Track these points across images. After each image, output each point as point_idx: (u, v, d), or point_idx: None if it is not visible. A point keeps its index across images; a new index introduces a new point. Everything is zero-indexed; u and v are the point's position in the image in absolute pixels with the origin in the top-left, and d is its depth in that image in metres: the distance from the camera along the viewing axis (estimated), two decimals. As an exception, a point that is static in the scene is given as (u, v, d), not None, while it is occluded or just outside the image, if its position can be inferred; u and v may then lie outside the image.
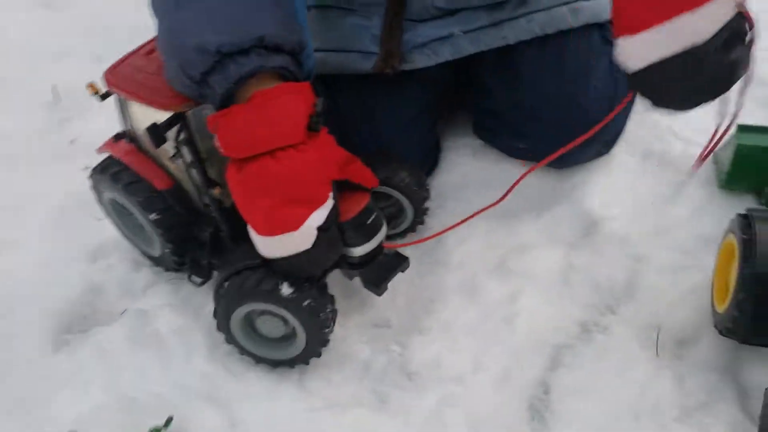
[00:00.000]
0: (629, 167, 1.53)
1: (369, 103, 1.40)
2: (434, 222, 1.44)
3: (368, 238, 1.13)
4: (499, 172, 1.52)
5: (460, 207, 1.46)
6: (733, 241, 1.15)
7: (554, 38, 1.37)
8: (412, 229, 1.41)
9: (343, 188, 1.10)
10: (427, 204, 1.39)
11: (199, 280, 1.28)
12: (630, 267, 1.33)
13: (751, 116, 1.38)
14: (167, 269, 1.37)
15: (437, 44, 1.33)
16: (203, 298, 1.32)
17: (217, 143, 0.97)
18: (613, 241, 1.37)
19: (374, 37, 1.33)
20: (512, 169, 1.52)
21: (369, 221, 1.12)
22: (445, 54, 1.32)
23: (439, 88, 1.48)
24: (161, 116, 1.04)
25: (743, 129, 1.36)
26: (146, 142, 1.15)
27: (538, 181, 1.49)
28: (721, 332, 1.16)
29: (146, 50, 1.14)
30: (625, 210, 1.43)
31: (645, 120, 1.58)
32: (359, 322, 1.30)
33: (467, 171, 1.55)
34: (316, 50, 1.32)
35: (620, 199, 1.46)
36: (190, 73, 0.94)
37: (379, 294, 1.18)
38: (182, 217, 1.25)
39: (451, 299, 1.31)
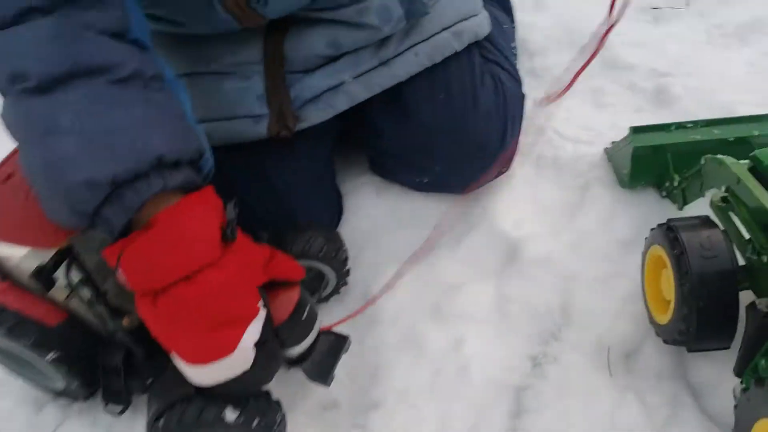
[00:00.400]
0: (529, 179, 1.52)
1: (261, 168, 1.28)
2: (357, 277, 1.36)
3: (306, 334, 1.04)
4: (408, 209, 1.46)
5: (379, 255, 1.39)
6: (662, 253, 1.18)
7: (438, 66, 1.32)
8: (336, 292, 1.32)
9: (269, 287, 0.99)
10: (348, 264, 1.30)
11: (117, 408, 1.11)
12: (561, 287, 1.33)
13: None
14: (76, 399, 1.18)
15: (330, 95, 1.23)
16: (126, 426, 1.15)
17: (120, 277, 0.83)
18: (537, 263, 1.36)
19: (259, 98, 1.21)
20: (420, 200, 1.47)
21: (304, 317, 1.02)
22: (341, 104, 1.24)
23: (332, 137, 1.39)
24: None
25: (636, 130, 1.39)
26: (25, 279, 0.97)
27: (447, 209, 1.44)
28: (666, 341, 1.19)
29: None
30: (539, 226, 1.42)
31: (529, 127, 1.58)
32: (306, 408, 1.19)
33: (374, 213, 1.47)
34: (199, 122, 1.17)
35: (530, 215, 1.45)
36: (79, 209, 0.79)
37: (327, 385, 1.08)
38: (85, 348, 1.08)
39: (398, 360, 1.24)
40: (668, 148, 1.38)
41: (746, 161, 1.18)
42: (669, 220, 1.18)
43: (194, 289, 0.81)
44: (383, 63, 1.26)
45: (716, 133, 1.37)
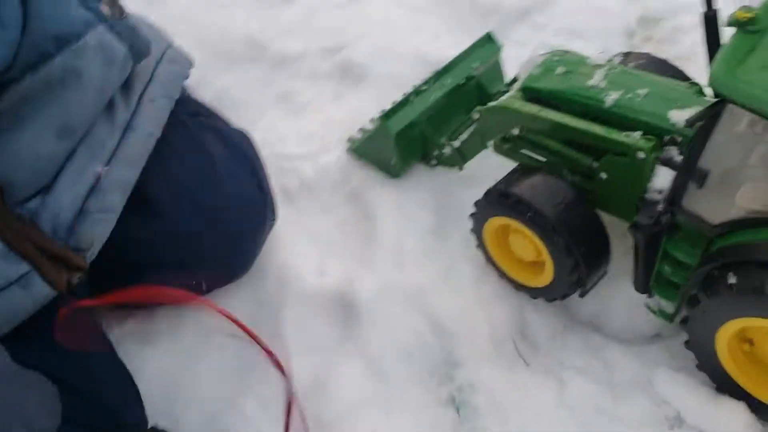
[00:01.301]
0: (293, 221, 1.31)
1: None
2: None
3: None
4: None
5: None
6: (504, 221, 1.10)
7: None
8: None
9: None
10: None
11: None
12: (419, 314, 1.16)
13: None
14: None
15: (95, 198, 0.97)
16: None
17: None
18: (378, 306, 1.18)
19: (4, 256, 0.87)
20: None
21: None
22: (117, 199, 1.01)
23: None
24: None
25: (386, 116, 1.26)
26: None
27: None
28: (554, 299, 1.14)
29: None
30: (346, 264, 1.23)
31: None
32: None
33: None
34: None
35: (329, 257, 1.25)
36: None
37: None
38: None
39: None
40: (421, 118, 1.28)
41: (514, 95, 1.14)
42: (495, 190, 1.08)
43: None
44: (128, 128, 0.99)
45: (450, 82, 1.30)
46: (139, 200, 1.01)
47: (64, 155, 0.91)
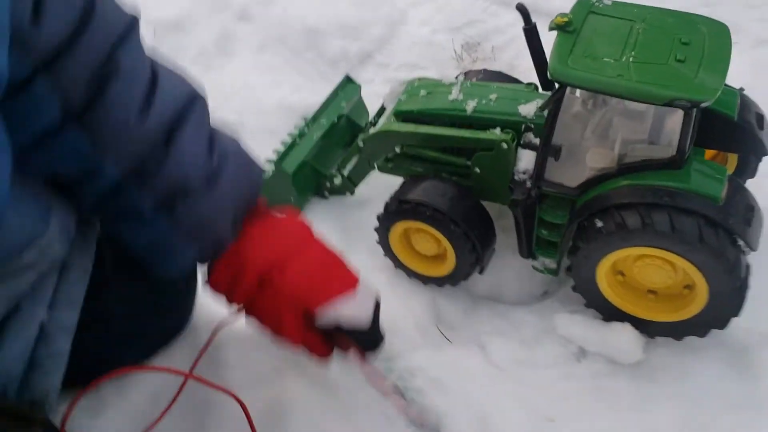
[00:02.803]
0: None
1: None
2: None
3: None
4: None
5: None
6: (407, 225, 1.27)
7: None
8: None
9: None
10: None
11: None
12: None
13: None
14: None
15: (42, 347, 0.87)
16: None
17: None
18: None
19: None
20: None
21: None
22: (63, 342, 0.90)
23: None
24: None
25: (277, 161, 1.40)
26: None
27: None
28: (456, 283, 1.33)
29: None
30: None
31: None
32: None
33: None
34: None
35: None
36: None
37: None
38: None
39: None
40: (309, 156, 1.43)
41: (389, 120, 1.33)
42: (394, 200, 1.26)
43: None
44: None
45: (325, 122, 1.48)
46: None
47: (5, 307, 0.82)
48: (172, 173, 0.87)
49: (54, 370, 0.87)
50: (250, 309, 1.03)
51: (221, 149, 0.93)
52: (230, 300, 1.03)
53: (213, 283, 1.01)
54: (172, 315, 1.20)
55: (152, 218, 0.88)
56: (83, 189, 0.86)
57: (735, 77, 1.52)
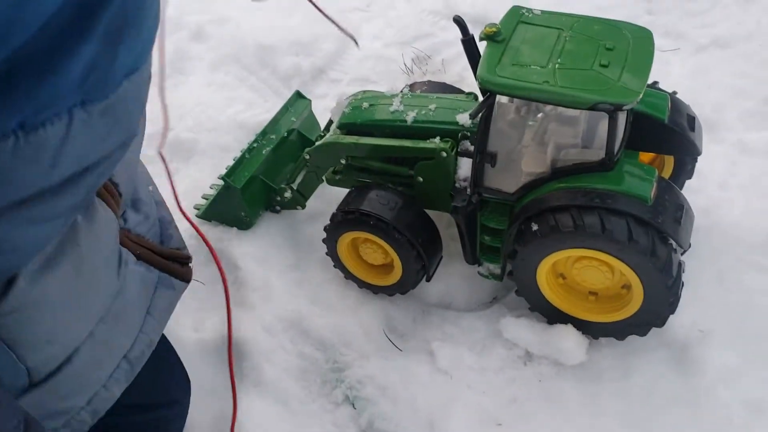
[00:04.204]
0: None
1: None
2: None
3: None
4: None
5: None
6: (354, 235, 1.28)
7: None
8: None
9: None
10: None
11: None
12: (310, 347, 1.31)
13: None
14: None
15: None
16: None
17: None
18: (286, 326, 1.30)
19: None
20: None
21: None
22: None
23: None
24: None
25: (227, 175, 1.40)
26: None
27: None
28: (404, 292, 1.35)
29: None
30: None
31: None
32: None
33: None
34: None
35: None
36: None
37: None
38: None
39: None
40: (259, 171, 1.44)
41: (334, 133, 1.35)
42: (339, 210, 1.27)
43: None
44: None
45: (274, 137, 1.49)
46: None
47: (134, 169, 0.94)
48: None
49: (176, 228, 1.00)
50: None
51: None
52: None
53: None
54: None
55: None
56: None
57: (676, 81, 1.57)
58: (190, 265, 1.03)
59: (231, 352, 1.16)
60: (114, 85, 0.60)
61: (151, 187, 0.99)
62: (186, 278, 1.00)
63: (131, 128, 0.69)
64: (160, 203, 1.00)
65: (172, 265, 0.97)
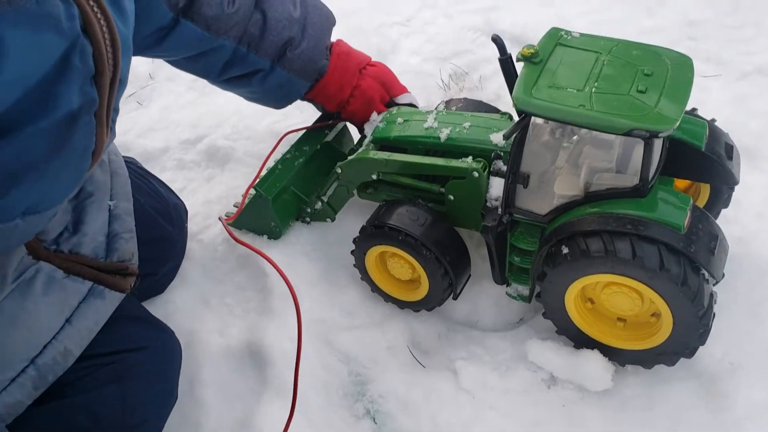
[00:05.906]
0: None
1: None
2: None
3: None
4: None
5: None
6: (383, 249, 1.29)
7: None
8: None
9: None
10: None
11: None
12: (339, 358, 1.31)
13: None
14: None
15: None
16: None
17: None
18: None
19: None
20: None
21: None
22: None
23: None
24: None
25: (259, 185, 1.42)
26: None
27: None
28: (432, 308, 1.35)
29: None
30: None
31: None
32: None
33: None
34: None
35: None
36: None
37: None
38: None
39: None
40: (290, 182, 1.46)
41: (367, 148, 1.36)
42: (370, 224, 1.28)
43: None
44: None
45: (308, 149, 1.50)
46: None
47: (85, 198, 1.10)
48: (274, 33, 1.33)
49: (130, 239, 1.13)
50: (346, 109, 1.47)
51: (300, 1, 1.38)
52: (331, 106, 1.49)
53: (318, 93, 1.45)
54: None
55: (272, 68, 1.37)
56: (209, 60, 1.33)
57: (716, 108, 1.54)
58: (133, 276, 1.13)
59: (297, 371, 1.15)
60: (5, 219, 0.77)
61: (113, 202, 1.13)
62: (122, 289, 1.09)
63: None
64: (119, 216, 1.13)
65: (107, 276, 1.07)
